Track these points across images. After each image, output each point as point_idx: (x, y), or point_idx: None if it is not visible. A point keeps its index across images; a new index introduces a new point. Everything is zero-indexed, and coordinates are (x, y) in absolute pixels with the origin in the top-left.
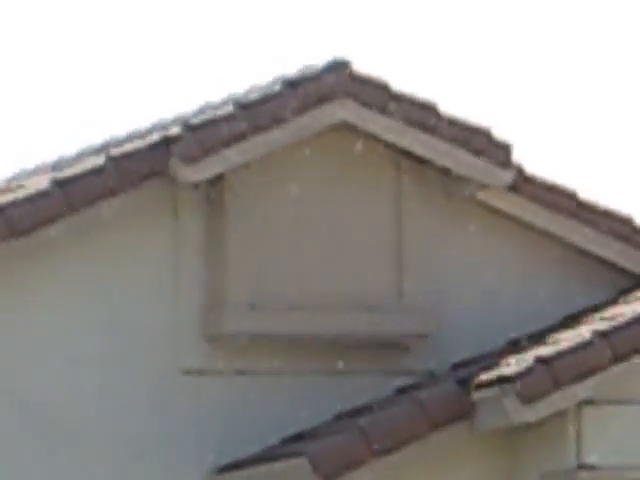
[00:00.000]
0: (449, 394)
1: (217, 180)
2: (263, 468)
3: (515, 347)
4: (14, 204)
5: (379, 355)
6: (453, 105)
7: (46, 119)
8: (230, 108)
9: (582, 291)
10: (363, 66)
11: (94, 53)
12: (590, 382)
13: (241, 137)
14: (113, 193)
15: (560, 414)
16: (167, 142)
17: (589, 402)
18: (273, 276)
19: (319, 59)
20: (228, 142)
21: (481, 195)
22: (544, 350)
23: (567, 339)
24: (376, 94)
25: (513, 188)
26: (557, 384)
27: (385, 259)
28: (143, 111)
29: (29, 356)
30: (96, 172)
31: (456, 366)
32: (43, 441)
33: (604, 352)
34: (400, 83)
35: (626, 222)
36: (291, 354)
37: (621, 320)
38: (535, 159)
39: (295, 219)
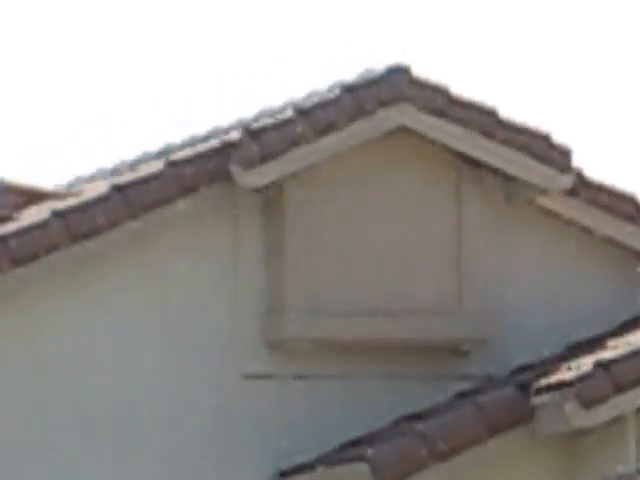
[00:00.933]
0: (509, 399)
1: (276, 185)
2: (324, 472)
3: (574, 352)
4: (73, 209)
5: (439, 360)
6: (513, 109)
7: (105, 124)
8: (289, 113)
9: None
10: (422, 71)
11: (154, 58)
12: None
13: (300, 142)
14: (172, 198)
15: (620, 418)
16: (227, 147)
17: None
18: (332, 281)
19: (378, 64)
20: (287, 147)
21: (540, 200)
22: (604, 355)
23: (626, 343)
24: (436, 99)
25: (572, 192)
26: (617, 388)
27: (444, 264)
28: (202, 116)
29: (92, 363)
30: (155, 177)
31: (515, 371)
32: (109, 448)
33: None
34: (460, 88)
35: None
36: (351, 359)
37: None
38: (595, 163)
39: (354, 224)
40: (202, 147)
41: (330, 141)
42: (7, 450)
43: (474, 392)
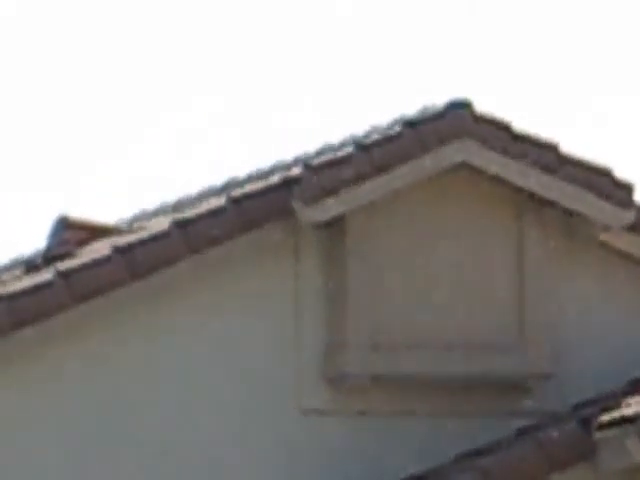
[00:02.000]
0: (571, 434)
1: (338, 221)
2: None
3: (636, 387)
4: (135, 245)
5: (500, 396)
6: (575, 145)
7: (168, 159)
8: (350, 149)
9: None
10: (484, 106)
11: (215, 95)
12: None
13: (362, 178)
14: (234, 234)
15: None
16: (288, 183)
17: None
18: (394, 317)
19: (439, 99)
20: (349, 183)
21: (602, 235)
22: None
23: None
24: (497, 134)
25: (633, 228)
26: None
27: (506, 299)
28: (264, 152)
29: (156, 397)
30: (217, 213)
31: (577, 406)
32: None
33: None
34: (521, 123)
35: None
36: (412, 395)
37: None
38: None
39: (415, 260)
40: (264, 182)
41: (391, 177)
42: None
43: (536, 428)
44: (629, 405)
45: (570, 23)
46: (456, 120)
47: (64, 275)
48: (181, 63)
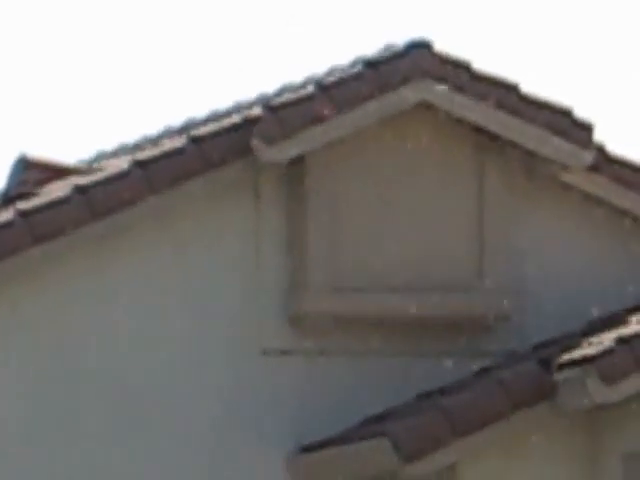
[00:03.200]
0: (531, 374)
1: (298, 161)
2: (344, 448)
3: (596, 327)
4: (95, 185)
5: (460, 336)
6: (535, 85)
7: (126, 100)
8: (311, 89)
9: None
10: (444, 46)
11: (176, 34)
12: None
13: (322, 118)
14: (194, 174)
15: None
16: (248, 123)
17: None
18: (354, 257)
19: (399, 39)
20: (309, 123)
21: (563, 175)
22: (625, 330)
23: None
24: (457, 74)
25: (595, 168)
26: (638, 364)
27: (466, 240)
28: (223, 92)
29: (109, 337)
30: (177, 153)
31: (537, 347)
32: (122, 422)
33: None
34: (481, 63)
35: None
36: (371, 335)
37: None
38: (617, 138)
39: (375, 200)
40: (224, 123)
41: (351, 117)
42: (28, 433)
43: (496, 368)
44: (589, 345)
45: None
46: (416, 60)
47: (24, 214)
48: (134, 7)
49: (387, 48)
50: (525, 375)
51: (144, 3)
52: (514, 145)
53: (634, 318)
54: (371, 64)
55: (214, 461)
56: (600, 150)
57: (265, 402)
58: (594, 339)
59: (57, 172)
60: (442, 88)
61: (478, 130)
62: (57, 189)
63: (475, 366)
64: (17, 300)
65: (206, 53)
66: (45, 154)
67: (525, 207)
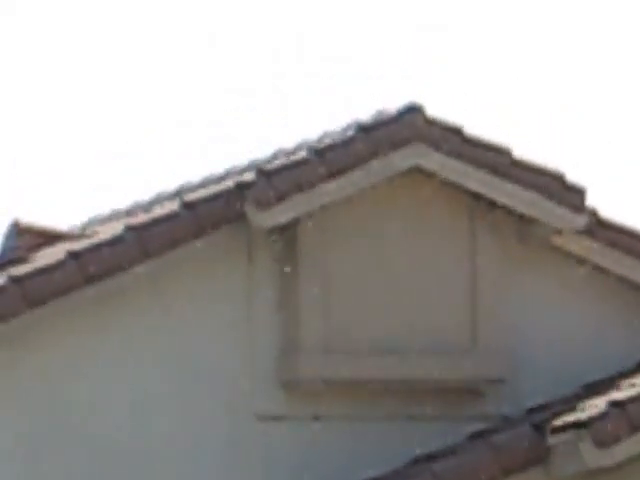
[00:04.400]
0: (524, 438)
1: (291, 225)
2: None
3: (590, 392)
4: (88, 250)
5: (454, 400)
6: (527, 149)
7: (120, 165)
8: (304, 153)
9: None
10: (436, 111)
11: (168, 100)
12: None
13: (315, 182)
14: (187, 239)
15: (635, 459)
16: (241, 188)
17: None
18: (347, 321)
19: (392, 104)
20: (302, 187)
21: (555, 239)
22: (618, 395)
23: None
24: (450, 139)
25: (587, 232)
26: (632, 428)
27: (459, 304)
28: (216, 157)
29: (102, 402)
30: (170, 218)
31: (531, 411)
32: None
33: None
34: (473, 128)
35: None
36: (366, 399)
37: None
38: (610, 203)
39: (368, 264)
40: (217, 188)
41: (344, 182)
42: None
43: (489, 432)
44: (583, 409)
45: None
46: (409, 125)
47: (17, 280)
48: (125, 69)
49: (380, 113)
50: (518, 439)
51: (136, 64)
52: (506, 209)
53: (628, 382)
54: (364, 128)
55: None
56: (593, 214)
57: (259, 467)
58: (588, 403)
59: (50, 238)
60: (434, 152)
61: (471, 194)
62: (50, 254)
63: (468, 430)
64: (11, 363)
65: (199, 119)
66: (38, 220)
67: (518, 271)
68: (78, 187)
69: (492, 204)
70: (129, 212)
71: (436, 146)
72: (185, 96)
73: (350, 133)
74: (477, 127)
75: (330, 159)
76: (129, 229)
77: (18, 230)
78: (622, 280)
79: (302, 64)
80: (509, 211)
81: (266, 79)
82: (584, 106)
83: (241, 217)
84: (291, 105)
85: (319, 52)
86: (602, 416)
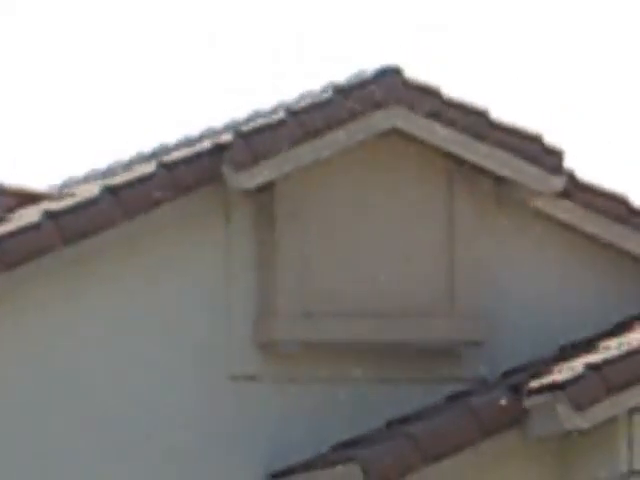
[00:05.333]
0: (501, 401)
1: (268, 187)
2: (314, 474)
3: (566, 353)
4: (65, 211)
5: (430, 362)
6: (505, 111)
7: (98, 125)
8: (281, 115)
9: (634, 298)
10: (414, 72)
11: (147, 59)
12: None
13: (292, 144)
14: (165, 200)
15: (611, 421)
16: (219, 149)
17: None
18: (324, 283)
19: (370, 66)
20: (279, 149)
21: (533, 201)
22: (595, 357)
23: (618, 345)
24: (427, 101)
25: (565, 194)
26: (609, 390)
27: (437, 266)
28: (193, 118)
29: (78, 361)
30: (147, 179)
31: (507, 373)
32: (91, 443)
33: None
34: (451, 89)
35: None
36: (342, 361)
37: None
38: (587, 165)
39: (345, 226)
40: (194, 149)
41: (322, 143)
42: (2, 449)
43: (466, 394)
44: (559, 372)
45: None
46: (386, 86)
47: None
48: (102, 25)
49: (358, 74)
50: (495, 401)
51: (114, 27)
52: (484, 171)
53: (604, 344)
54: (341, 90)
55: None
56: (570, 176)
57: (234, 429)
58: (565, 365)
59: (28, 198)
60: (412, 114)
61: (449, 156)
62: (28, 215)
63: (445, 392)
64: None
65: (177, 79)
66: (15, 180)
67: (495, 233)
68: (56, 147)
69: (470, 166)
70: (107, 173)
71: (414, 108)
72: (164, 56)
73: (327, 94)
74: (455, 88)
75: (307, 120)
76: (107, 189)
77: None
78: (598, 242)
79: (281, 24)
80: (487, 173)
81: (245, 38)
82: (560, 67)
83: (218, 178)
84: (268, 66)
85: (299, 11)
86: (579, 378)
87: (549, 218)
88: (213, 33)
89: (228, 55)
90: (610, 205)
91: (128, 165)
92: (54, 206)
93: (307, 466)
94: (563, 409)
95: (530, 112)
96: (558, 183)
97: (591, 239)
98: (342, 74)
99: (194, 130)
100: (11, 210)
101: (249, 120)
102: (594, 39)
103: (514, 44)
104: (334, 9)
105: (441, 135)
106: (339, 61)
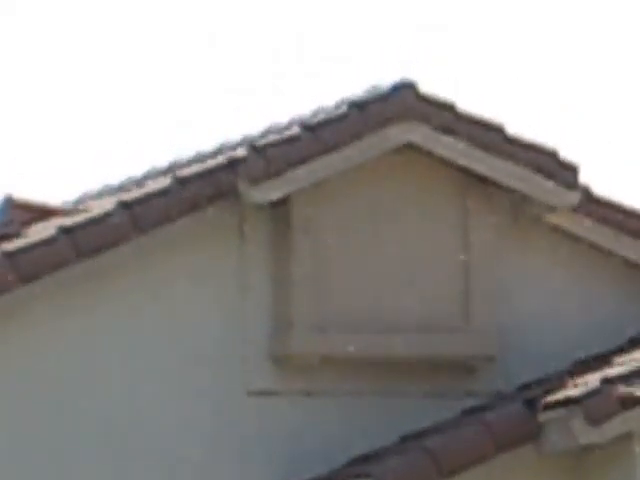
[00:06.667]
0: (516, 415)
1: (283, 202)
2: None
3: (581, 368)
4: (80, 226)
5: (445, 377)
6: (520, 126)
7: (113, 140)
8: (296, 129)
9: None
10: (429, 87)
11: (161, 74)
12: None
13: (307, 158)
14: (179, 215)
15: (627, 435)
16: (233, 163)
17: None
18: (340, 297)
19: (385, 80)
20: (294, 163)
21: (548, 216)
22: (610, 371)
23: (633, 360)
24: (443, 115)
25: (580, 209)
26: (623, 405)
27: (452, 280)
28: (209, 132)
29: (94, 375)
30: (162, 193)
31: (522, 387)
32: (106, 459)
33: None
34: (467, 104)
35: None
36: (358, 376)
37: None
38: (602, 180)
39: (361, 240)
40: (209, 164)
41: (337, 158)
42: (11, 460)
43: (481, 409)
44: (574, 386)
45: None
46: (401, 101)
47: (9, 255)
48: (116, 43)
49: (372, 89)
50: (510, 416)
51: (126, 43)
52: (499, 186)
53: (619, 359)
54: (356, 105)
55: None
56: (585, 191)
57: (250, 443)
58: (579, 380)
59: (42, 213)
60: (427, 129)
61: (464, 171)
62: (42, 230)
63: (460, 407)
64: (2, 338)
65: (191, 94)
66: (31, 195)
67: (511, 248)
68: (71, 162)
69: (485, 181)
70: (121, 187)
71: (429, 122)
72: (179, 71)
73: (343, 109)
74: (470, 104)
75: (323, 135)
76: (121, 205)
77: (11, 205)
78: (614, 257)
79: (296, 39)
80: (502, 188)
81: (259, 54)
82: (576, 83)
83: (233, 193)
84: (284, 81)
85: (313, 27)
86: (593, 393)
87: (564, 233)
88: (229, 47)
89: (240, 69)
90: (625, 220)
91: (142, 180)
92: (69, 221)
93: None
94: (578, 424)
95: (545, 127)
96: (574, 198)
97: (606, 254)
98: (357, 89)
99: (208, 145)
100: (26, 225)
101: (264, 135)
102: (597, 39)
103: (515, 43)
104: (334, 9)
105: (456, 150)
106: (353, 76)
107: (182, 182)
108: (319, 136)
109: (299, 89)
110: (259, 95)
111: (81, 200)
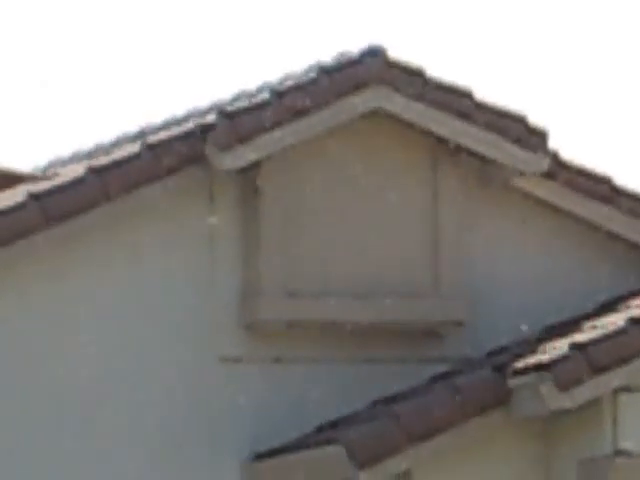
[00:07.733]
0: (485, 381)
1: (252, 167)
2: (299, 455)
3: (551, 334)
4: (50, 192)
5: (415, 342)
6: (489, 91)
7: (81, 107)
8: (265, 95)
9: (618, 278)
10: (398, 53)
11: (131, 40)
12: (626, 369)
13: (276, 124)
14: (149, 181)
15: (596, 401)
16: (203, 130)
17: (625, 389)
18: (309, 263)
19: (354, 46)
20: (263, 129)
21: (517, 182)
22: (580, 337)
23: (603, 325)
24: (411, 81)
25: (548, 174)
26: (593, 371)
27: (420, 246)
28: (178, 98)
29: (63, 342)
30: (132, 159)
31: (492, 353)
32: (76, 425)
33: (639, 339)
34: (436, 70)
35: None
36: (327, 341)
37: None
38: (571, 145)
39: (330, 206)
40: (178, 129)
41: (306, 124)
42: None
43: (450, 374)
44: (544, 352)
45: None
46: (370, 67)
47: None
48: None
49: (342, 55)
50: (479, 381)
51: (99, 6)
52: (468, 151)
53: (588, 324)
54: (326, 71)
55: (168, 468)
56: (554, 157)
57: (220, 409)
58: (549, 345)
59: (11, 179)
60: (396, 95)
61: (433, 137)
62: (12, 196)
63: (429, 372)
64: None
65: (160, 60)
66: (0, 161)
67: (479, 213)
68: (41, 128)
69: (454, 146)
70: (91, 154)
71: (398, 88)
72: (148, 37)
73: (312, 75)
74: (439, 69)
75: (291, 101)
76: (90, 171)
77: None
78: (582, 222)
79: (266, 5)
80: (471, 153)
81: (230, 18)
82: (545, 48)
83: (203, 159)
84: (252, 47)
85: (288, 18)
86: (563, 358)
87: (533, 198)
88: (197, 13)
89: (210, 35)
90: (594, 185)
91: (112, 146)
92: (38, 187)
93: (292, 447)
94: (548, 389)
95: (513, 92)
96: (542, 163)
97: (575, 219)
98: (326, 55)
99: (179, 110)
100: None
101: (233, 101)
102: (575, 19)
103: (485, 8)
104: None
105: (425, 115)
106: (322, 42)
107: (152, 148)
108: (288, 102)
109: (268, 55)
110: (228, 61)
111: (51, 166)
